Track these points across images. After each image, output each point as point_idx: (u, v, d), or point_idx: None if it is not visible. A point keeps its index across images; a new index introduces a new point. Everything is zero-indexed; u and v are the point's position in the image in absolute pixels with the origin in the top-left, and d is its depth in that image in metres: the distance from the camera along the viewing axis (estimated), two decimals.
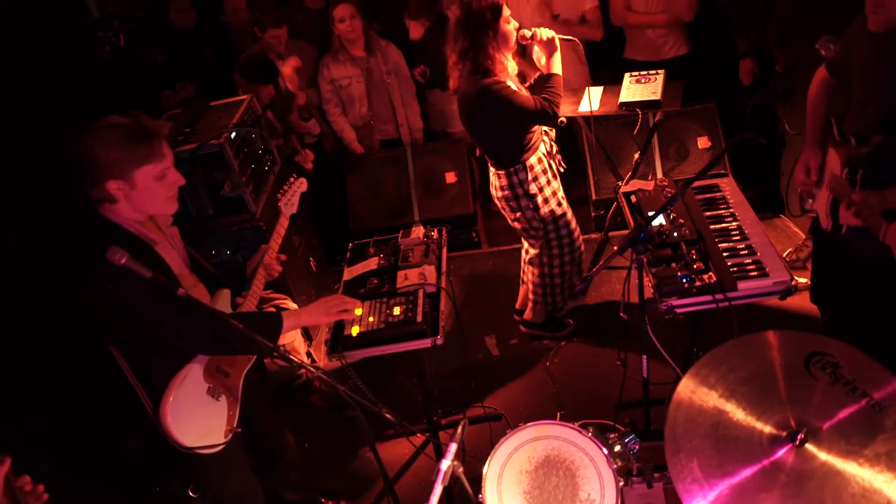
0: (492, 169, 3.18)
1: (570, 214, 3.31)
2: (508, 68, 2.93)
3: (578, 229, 3.40)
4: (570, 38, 3.06)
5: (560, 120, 3.54)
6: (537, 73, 3.11)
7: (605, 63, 4.22)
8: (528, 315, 3.70)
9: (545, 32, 2.93)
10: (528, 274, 3.52)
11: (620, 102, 3.36)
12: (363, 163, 4.48)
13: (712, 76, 4.12)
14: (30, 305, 2.46)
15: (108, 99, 3.40)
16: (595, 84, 3.72)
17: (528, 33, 2.90)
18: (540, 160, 3.14)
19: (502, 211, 3.30)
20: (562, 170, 3.29)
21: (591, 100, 3.53)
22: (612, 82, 3.64)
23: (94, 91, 3.52)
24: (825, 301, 2.78)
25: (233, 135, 3.19)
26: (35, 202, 2.60)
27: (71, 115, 2.88)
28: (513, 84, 2.89)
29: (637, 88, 3.40)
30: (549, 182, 3.19)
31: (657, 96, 3.32)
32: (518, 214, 3.21)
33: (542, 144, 3.17)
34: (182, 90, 3.93)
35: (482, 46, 2.80)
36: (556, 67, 3.00)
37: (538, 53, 3.05)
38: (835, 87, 2.45)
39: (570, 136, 4.41)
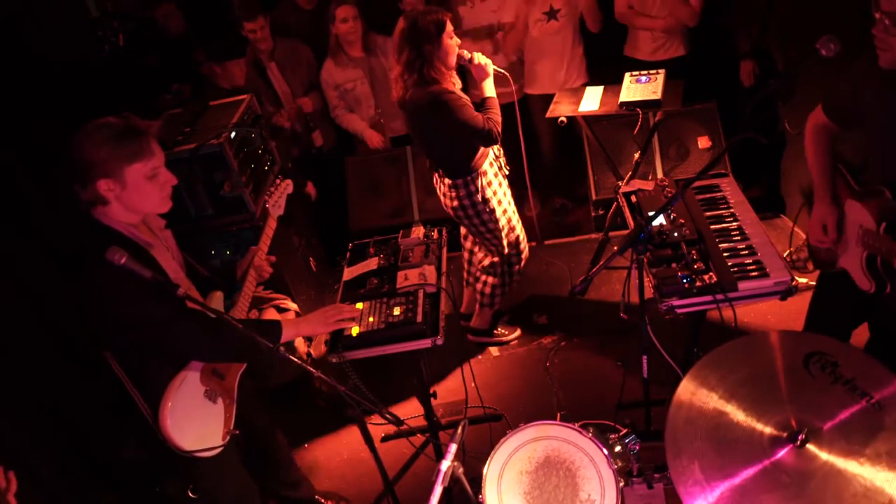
0: (444, 180, 3.17)
1: (516, 218, 3.36)
2: (454, 82, 2.98)
3: (524, 232, 3.44)
4: (503, 71, 3.11)
5: (560, 120, 3.55)
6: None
7: (605, 60, 4.22)
8: (475, 322, 3.71)
9: (480, 58, 3.01)
10: (481, 283, 3.52)
11: (621, 102, 3.36)
12: (363, 163, 4.48)
13: (712, 76, 4.12)
14: (30, 306, 2.45)
15: (108, 98, 3.40)
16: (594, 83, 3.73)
17: (466, 54, 2.97)
18: (491, 164, 3.18)
19: (457, 220, 3.31)
20: (506, 172, 3.31)
21: (591, 99, 3.53)
22: (611, 79, 3.64)
23: (94, 91, 3.52)
24: None
25: (232, 135, 3.19)
26: (35, 202, 2.59)
27: (71, 115, 2.88)
28: (463, 96, 2.93)
29: (637, 88, 3.41)
30: (500, 184, 3.23)
31: (657, 96, 3.32)
32: (476, 222, 3.22)
33: (490, 150, 3.19)
34: (181, 93, 3.93)
35: (428, 57, 2.84)
36: (489, 91, 3.07)
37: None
38: (835, 133, 2.29)
39: (570, 136, 4.41)
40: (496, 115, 3.01)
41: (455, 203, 3.18)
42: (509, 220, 3.30)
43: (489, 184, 3.16)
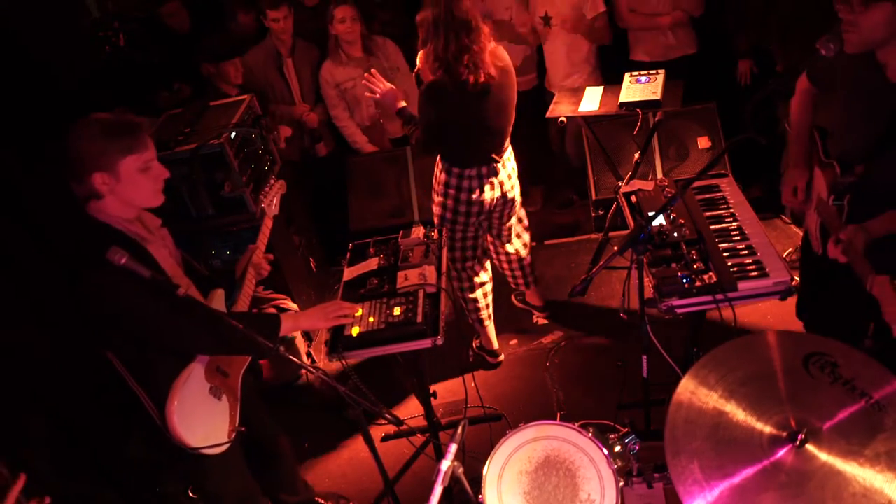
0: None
1: None
2: None
3: None
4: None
5: (560, 120, 3.55)
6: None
7: (612, 65, 4.21)
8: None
9: None
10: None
11: (620, 102, 3.36)
12: (363, 163, 4.48)
13: (712, 76, 4.11)
14: (30, 305, 2.45)
15: (109, 99, 3.40)
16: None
17: None
18: None
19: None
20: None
21: (590, 99, 3.53)
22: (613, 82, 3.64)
23: (95, 91, 3.52)
24: (811, 316, 2.72)
25: (233, 135, 3.19)
26: (35, 202, 2.59)
27: (71, 115, 2.88)
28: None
29: (637, 88, 3.40)
30: None
31: (657, 96, 3.31)
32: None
33: None
34: (180, 91, 3.93)
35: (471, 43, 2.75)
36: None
37: None
38: (816, 98, 2.40)
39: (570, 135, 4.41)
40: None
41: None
42: None
43: None
